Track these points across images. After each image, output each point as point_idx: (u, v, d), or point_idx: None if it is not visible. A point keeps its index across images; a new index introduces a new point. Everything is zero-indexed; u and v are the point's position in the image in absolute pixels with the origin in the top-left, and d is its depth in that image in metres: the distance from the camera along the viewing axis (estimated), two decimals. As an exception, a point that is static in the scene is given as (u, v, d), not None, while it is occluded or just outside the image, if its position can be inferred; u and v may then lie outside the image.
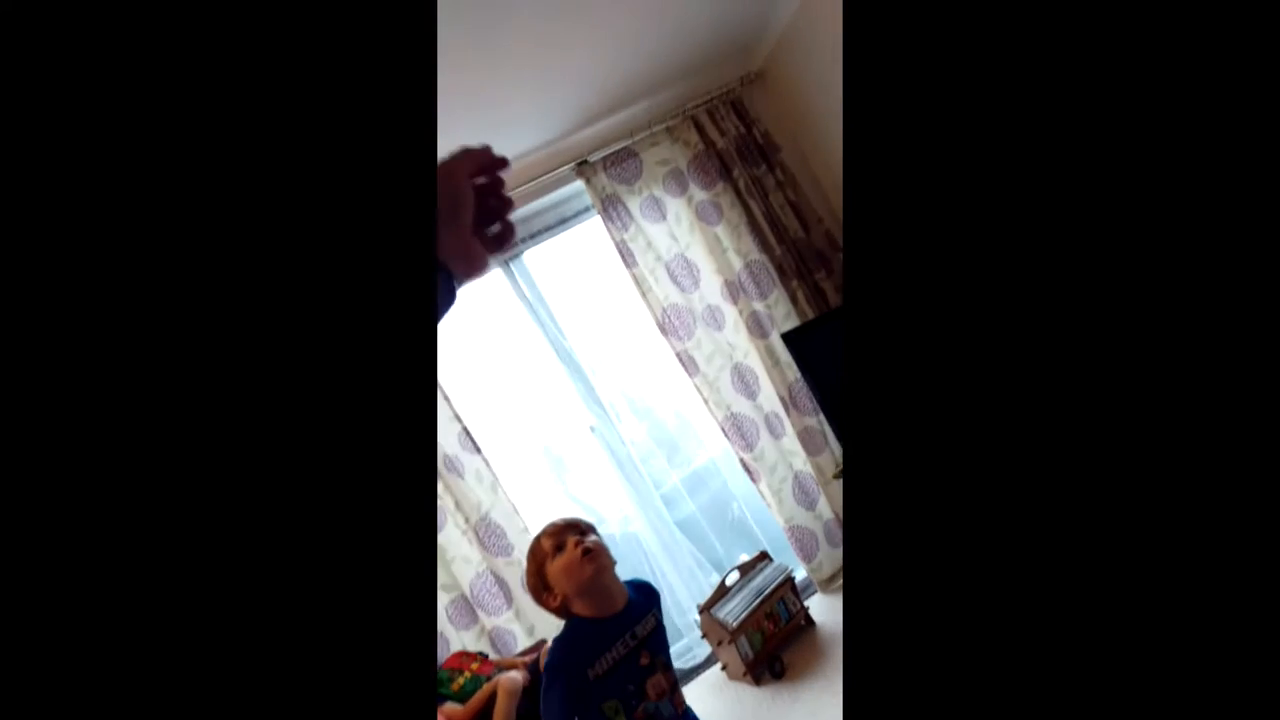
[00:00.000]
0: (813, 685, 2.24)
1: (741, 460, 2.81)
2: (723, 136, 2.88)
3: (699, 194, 2.85)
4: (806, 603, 2.69)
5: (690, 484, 3.08)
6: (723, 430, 2.80)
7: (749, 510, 3.05)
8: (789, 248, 2.91)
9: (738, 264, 2.86)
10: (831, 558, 2.84)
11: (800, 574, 2.85)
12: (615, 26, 2.27)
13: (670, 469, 3.00)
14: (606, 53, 2.37)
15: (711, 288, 2.85)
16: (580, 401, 2.92)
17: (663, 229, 2.82)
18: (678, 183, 2.84)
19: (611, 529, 3.08)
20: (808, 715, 2.11)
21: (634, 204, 2.78)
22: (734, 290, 2.84)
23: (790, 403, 2.85)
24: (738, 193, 2.88)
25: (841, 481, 2.76)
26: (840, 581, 2.80)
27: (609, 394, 2.98)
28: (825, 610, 2.67)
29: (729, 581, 2.61)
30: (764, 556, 2.70)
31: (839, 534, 2.85)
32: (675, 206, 2.84)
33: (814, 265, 2.93)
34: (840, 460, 2.85)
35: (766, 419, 2.85)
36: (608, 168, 2.75)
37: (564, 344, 2.89)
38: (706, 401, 2.79)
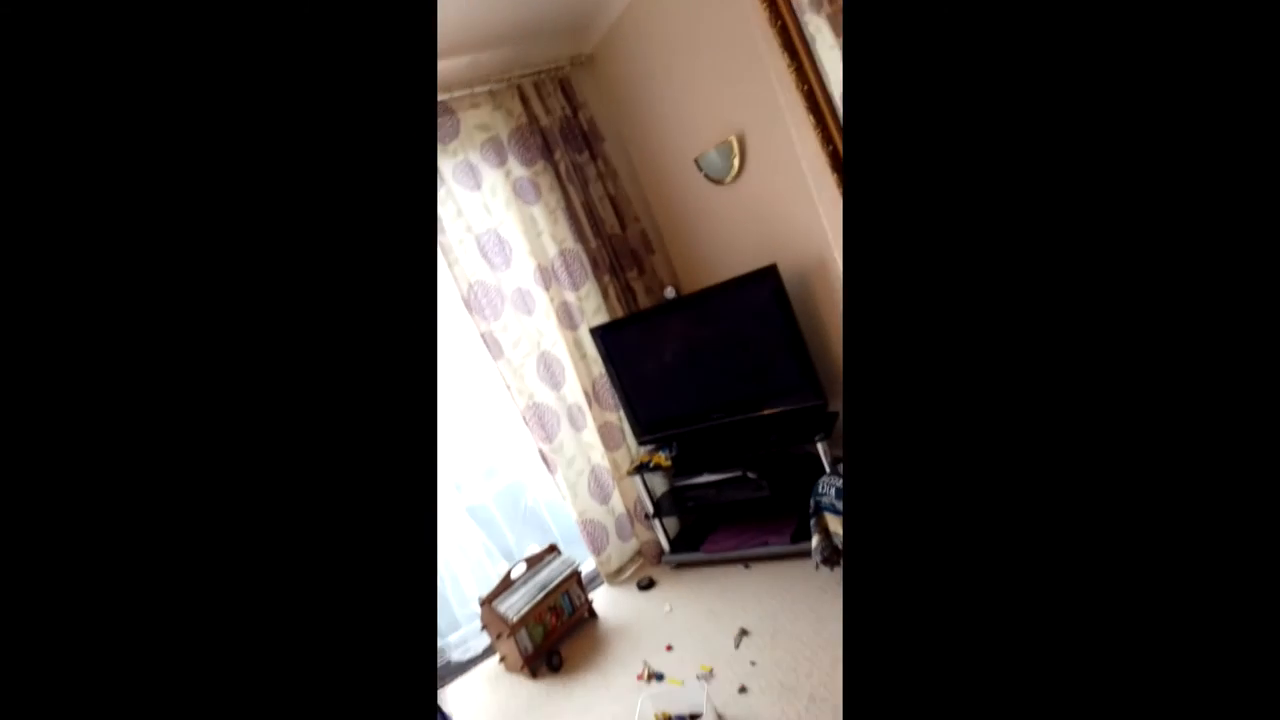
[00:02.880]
0: (587, 679, 2.25)
1: (540, 450, 2.74)
2: (548, 114, 2.76)
3: (518, 169, 2.71)
4: (592, 595, 2.71)
5: (485, 470, 2.95)
6: (523, 418, 2.70)
7: (543, 501, 3.00)
8: (604, 242, 2.89)
9: (552, 250, 2.77)
10: (620, 551, 2.89)
11: (589, 566, 2.87)
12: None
13: (465, 453, 2.85)
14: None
15: (524, 270, 2.73)
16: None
17: (476, 199, 2.64)
18: (497, 153, 2.67)
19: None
20: (580, 710, 2.12)
21: (447, 166, 2.57)
22: (547, 276, 2.75)
23: (593, 397, 2.84)
24: (558, 175, 2.78)
25: (636, 478, 2.81)
26: (627, 574, 2.86)
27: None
28: (610, 602, 2.71)
29: (514, 574, 2.54)
30: (553, 549, 2.67)
31: (629, 528, 2.90)
32: (493, 178, 2.67)
33: (627, 263, 2.94)
34: (635, 457, 2.91)
35: (569, 411, 2.81)
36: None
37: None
38: (509, 387, 2.67)
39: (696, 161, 2.63)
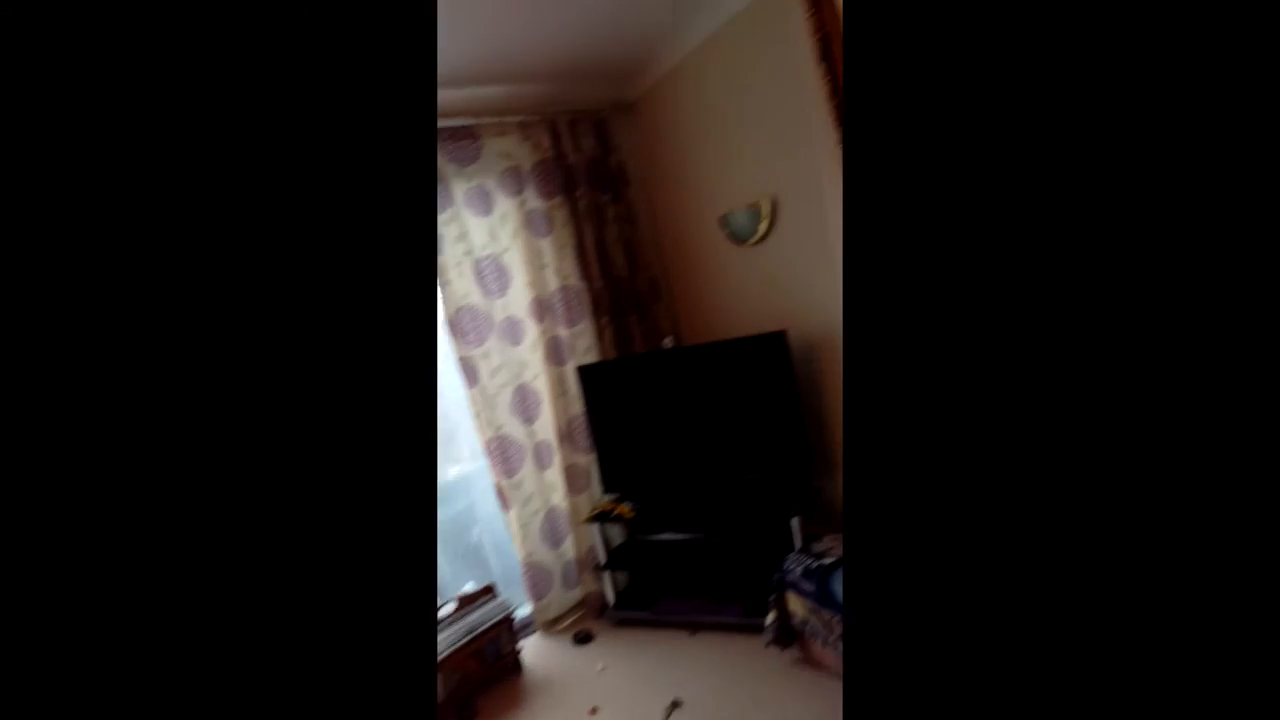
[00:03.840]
0: (498, 735, 2.07)
1: (498, 485, 2.62)
2: (577, 152, 2.78)
3: (534, 200, 2.70)
4: (522, 644, 2.54)
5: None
6: (486, 449, 2.59)
7: (489, 538, 2.84)
8: (610, 283, 2.87)
9: (554, 284, 2.74)
10: (562, 599, 2.74)
11: (525, 610, 2.70)
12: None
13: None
14: (491, 16, 2.15)
15: (519, 300, 2.68)
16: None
17: (484, 224, 2.60)
18: (515, 182, 2.66)
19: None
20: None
21: (459, 188, 2.54)
22: (542, 309, 2.70)
23: (566, 436, 2.75)
24: (575, 211, 2.78)
25: (594, 525, 2.69)
26: (564, 624, 2.70)
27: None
28: (540, 654, 2.55)
29: (442, 613, 2.36)
30: (489, 590, 2.51)
31: (575, 576, 2.77)
32: (505, 206, 2.64)
33: (629, 307, 2.92)
34: (597, 503, 2.80)
35: (537, 448, 2.71)
36: (443, 140, 2.50)
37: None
38: (478, 416, 2.57)
39: (723, 219, 2.65)
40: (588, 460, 2.81)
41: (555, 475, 2.74)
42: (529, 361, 2.70)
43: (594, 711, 2.07)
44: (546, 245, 2.71)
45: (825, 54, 1.66)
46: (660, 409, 2.64)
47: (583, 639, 2.55)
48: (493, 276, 2.62)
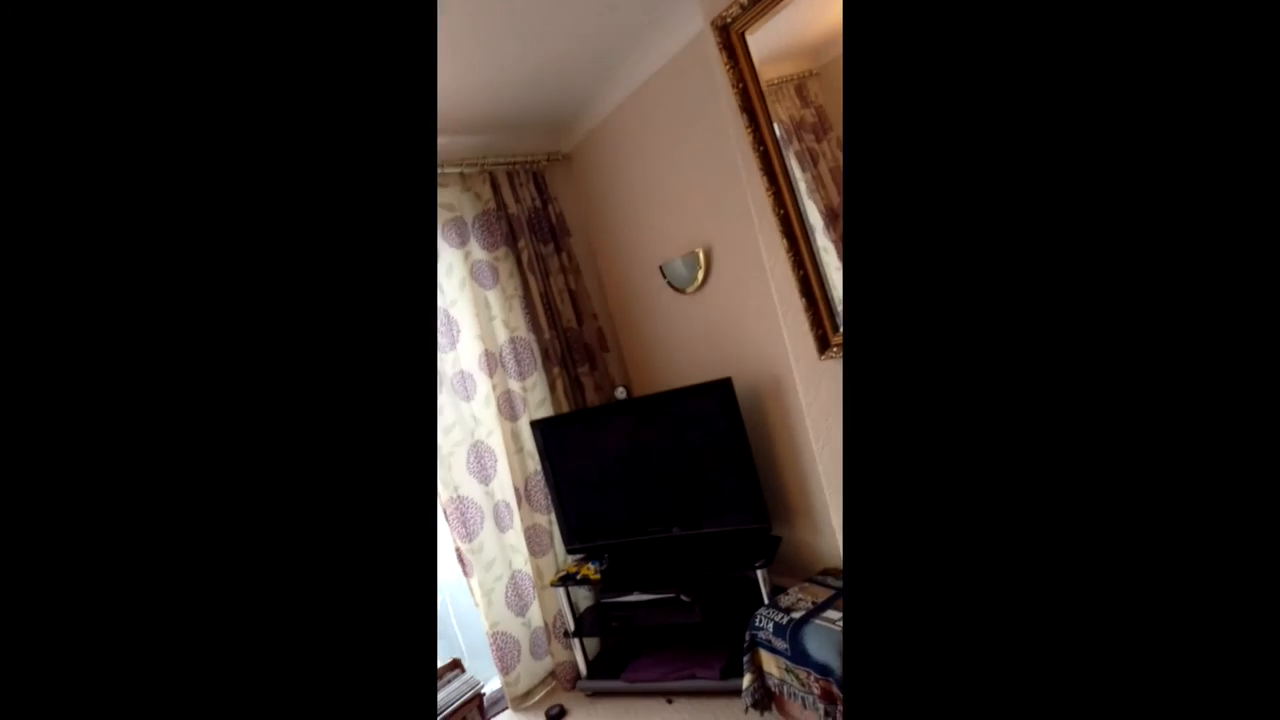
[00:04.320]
0: (475, 831, 1.93)
1: (457, 549, 2.50)
2: (517, 203, 2.75)
3: (479, 251, 2.64)
4: (492, 723, 2.40)
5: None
6: (444, 511, 2.48)
7: (452, 607, 2.71)
8: (559, 334, 2.81)
9: (503, 336, 2.67)
10: (531, 671, 2.60)
11: (494, 685, 2.56)
12: (441, 47, 2.04)
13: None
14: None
15: (469, 353, 2.60)
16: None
17: (429, 278, 2.53)
18: (458, 233, 2.61)
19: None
20: None
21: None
22: (493, 362, 2.63)
23: (525, 495, 2.65)
24: (519, 263, 2.73)
25: (560, 589, 2.59)
26: (536, 698, 2.56)
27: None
28: (511, 733, 2.40)
29: (407, 695, 2.22)
30: (456, 665, 2.38)
31: (544, 645, 2.64)
32: (451, 257, 2.59)
33: (580, 358, 2.86)
34: (562, 566, 2.69)
35: (496, 508, 2.61)
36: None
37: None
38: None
39: (661, 269, 2.64)
40: (548, 519, 2.70)
41: (517, 537, 2.63)
42: (482, 417, 2.61)
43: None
44: (494, 296, 2.65)
45: (745, 105, 1.65)
46: (617, 462, 2.57)
47: (556, 715, 2.40)
48: (442, 329, 2.53)
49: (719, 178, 2.29)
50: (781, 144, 1.65)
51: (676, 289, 2.62)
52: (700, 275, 2.50)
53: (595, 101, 2.66)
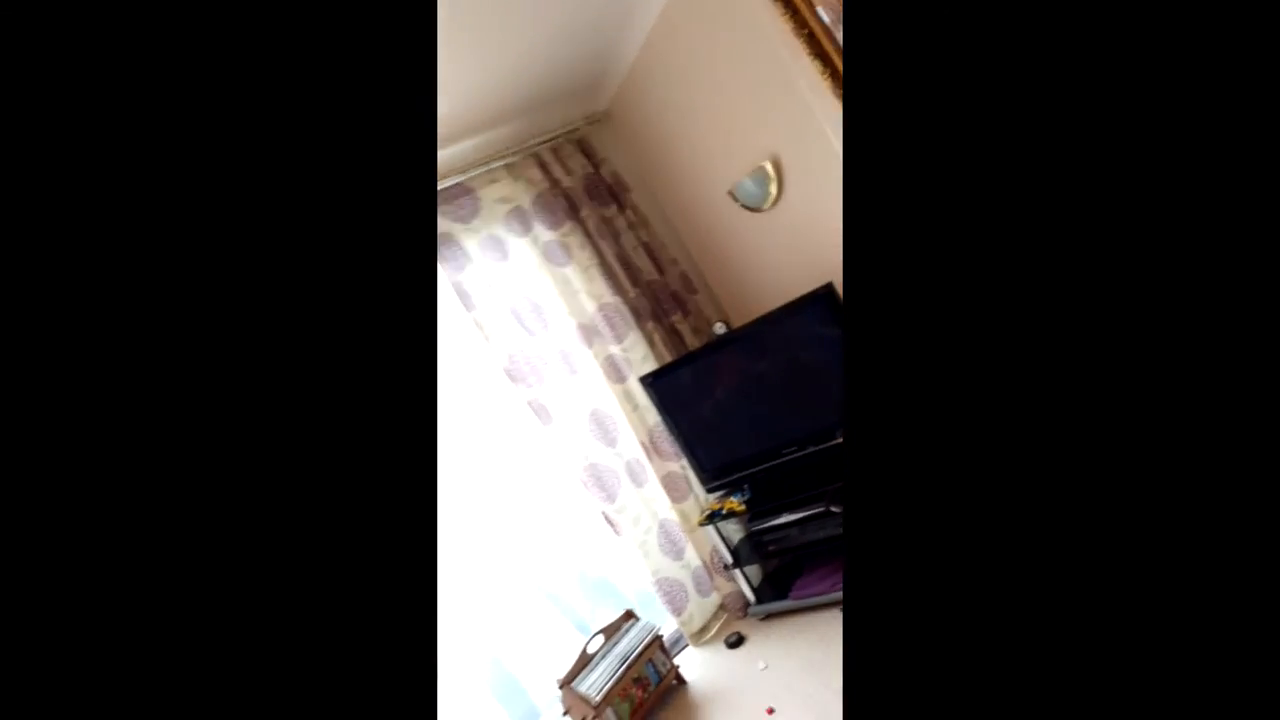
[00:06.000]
0: (685, 755, 2.08)
1: (603, 513, 2.63)
2: (569, 175, 2.78)
3: (545, 234, 2.71)
4: (677, 660, 2.54)
5: (545, 544, 2.84)
6: (581, 482, 2.61)
7: (609, 565, 2.87)
8: (644, 290, 2.84)
9: (591, 307, 2.74)
10: (701, 608, 2.72)
11: (671, 628, 2.70)
12: (450, 58, 2.10)
13: (522, 529, 2.75)
14: (448, 74, 2.18)
15: (565, 331, 2.70)
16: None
17: (505, 269, 2.64)
18: (521, 222, 2.68)
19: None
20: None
21: (471, 242, 2.58)
22: (589, 334, 2.71)
23: (652, 448, 2.74)
24: (587, 233, 2.78)
25: (709, 528, 2.67)
26: (712, 632, 2.68)
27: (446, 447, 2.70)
28: (699, 666, 2.53)
29: (591, 648, 2.40)
30: (629, 616, 2.53)
31: (708, 582, 2.74)
32: (519, 246, 2.68)
33: (670, 307, 2.88)
34: (705, 506, 2.77)
35: (628, 466, 2.71)
36: (441, 203, 2.54)
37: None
38: (562, 451, 2.60)
39: (731, 193, 2.58)
40: (680, 466, 2.78)
41: (655, 489, 2.73)
42: (592, 386, 2.71)
43: (771, 711, 2.04)
44: (571, 272, 2.72)
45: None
46: (732, 395, 2.58)
47: (735, 643, 2.52)
48: (531, 316, 2.65)
49: (766, 82, 2.17)
50: (826, 21, 1.55)
51: (752, 209, 2.55)
52: (774, 189, 2.41)
53: (618, 49, 2.61)
